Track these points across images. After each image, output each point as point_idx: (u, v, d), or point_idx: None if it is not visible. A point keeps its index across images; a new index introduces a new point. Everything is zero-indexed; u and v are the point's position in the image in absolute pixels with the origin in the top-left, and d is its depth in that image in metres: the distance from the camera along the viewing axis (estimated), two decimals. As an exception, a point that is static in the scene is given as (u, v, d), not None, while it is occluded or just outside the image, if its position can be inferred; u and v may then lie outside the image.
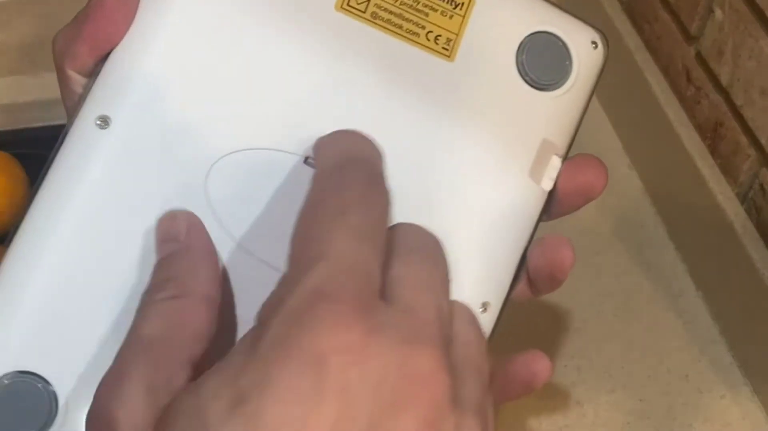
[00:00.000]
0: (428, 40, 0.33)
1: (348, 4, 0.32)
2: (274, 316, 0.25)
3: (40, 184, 0.30)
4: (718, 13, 0.65)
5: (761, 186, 0.63)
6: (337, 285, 0.25)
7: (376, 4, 0.32)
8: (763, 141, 0.62)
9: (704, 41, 0.67)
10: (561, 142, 0.34)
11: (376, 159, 0.29)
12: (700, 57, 0.68)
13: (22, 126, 0.74)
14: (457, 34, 0.33)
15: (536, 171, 0.33)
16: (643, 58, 0.73)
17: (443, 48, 0.33)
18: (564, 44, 0.34)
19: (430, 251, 0.29)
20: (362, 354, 0.24)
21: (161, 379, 0.26)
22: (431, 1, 0.33)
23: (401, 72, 0.32)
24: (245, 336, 0.25)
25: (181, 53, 0.31)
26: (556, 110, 0.34)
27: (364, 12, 0.32)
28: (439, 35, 0.33)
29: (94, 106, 0.31)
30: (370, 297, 0.25)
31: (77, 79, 0.32)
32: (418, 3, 0.33)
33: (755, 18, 0.61)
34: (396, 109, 0.32)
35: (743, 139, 0.64)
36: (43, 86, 0.77)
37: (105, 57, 0.31)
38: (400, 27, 0.32)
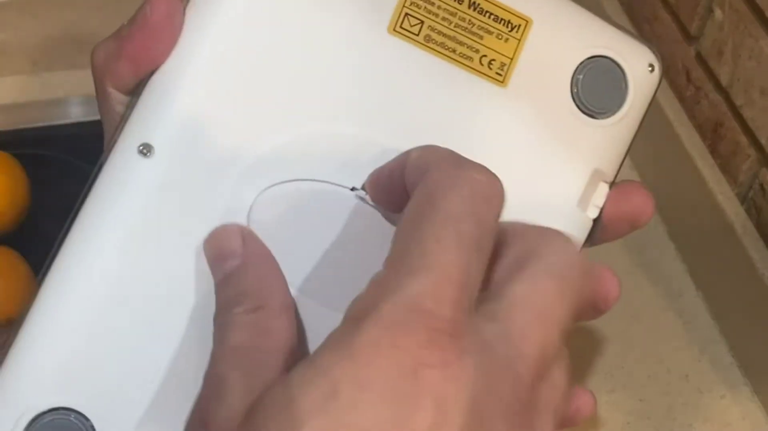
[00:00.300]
0: (482, 64, 0.32)
1: (401, 27, 0.31)
2: (368, 318, 0.24)
3: (76, 213, 0.30)
4: (718, 13, 0.65)
5: (761, 186, 0.63)
6: (438, 301, 0.24)
7: (430, 27, 0.31)
8: (763, 141, 0.62)
9: (704, 41, 0.67)
10: (610, 170, 0.33)
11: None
12: (700, 57, 0.68)
13: (22, 126, 0.74)
14: (511, 59, 0.32)
15: (584, 200, 0.32)
16: (643, 58, 0.73)
17: (497, 73, 0.32)
18: (621, 70, 0.33)
19: (569, 278, 0.27)
20: (458, 371, 0.24)
21: (258, 384, 0.26)
22: (487, 24, 0.32)
23: (452, 98, 0.31)
24: (334, 333, 0.25)
25: (227, 77, 0.30)
26: (608, 138, 0.33)
27: (417, 35, 0.31)
28: (493, 60, 0.32)
29: (136, 133, 0.29)
30: (469, 315, 0.25)
31: (117, 97, 0.31)
32: (473, 26, 0.31)
33: (755, 18, 0.61)
34: (446, 135, 0.31)
35: (743, 139, 0.64)
36: (43, 86, 0.77)
37: (147, 76, 0.30)
38: (454, 51, 0.31)
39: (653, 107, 0.77)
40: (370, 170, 0.30)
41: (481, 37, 0.32)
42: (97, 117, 0.84)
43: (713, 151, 0.67)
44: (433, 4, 0.31)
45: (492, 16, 0.32)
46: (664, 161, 0.71)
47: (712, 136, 0.67)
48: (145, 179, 0.29)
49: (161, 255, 0.29)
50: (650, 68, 0.33)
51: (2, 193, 0.64)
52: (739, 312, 0.64)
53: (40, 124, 0.74)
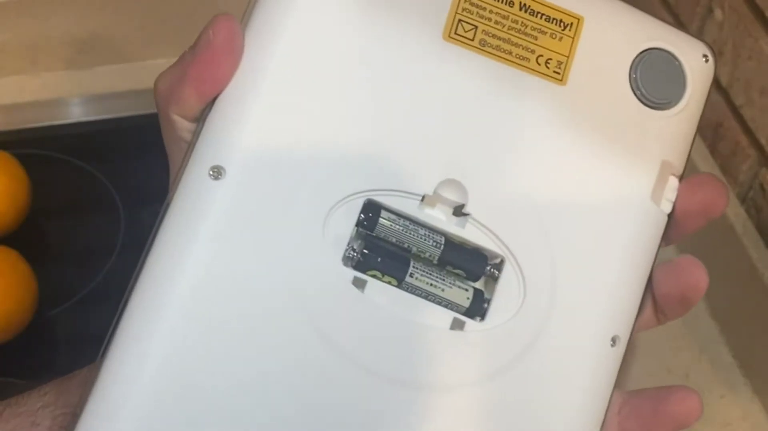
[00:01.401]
0: (539, 64, 0.32)
1: (456, 33, 0.31)
2: None
3: (150, 246, 0.29)
4: (718, 13, 0.65)
5: (761, 186, 0.63)
6: None
7: (484, 31, 0.31)
8: (763, 141, 0.62)
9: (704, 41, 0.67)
10: (678, 161, 0.33)
11: None
12: (700, 57, 0.68)
13: (22, 126, 0.74)
14: (567, 57, 0.32)
15: (656, 194, 0.32)
16: (643, 58, 0.73)
17: (555, 72, 0.32)
18: (677, 60, 0.33)
19: None
20: None
21: None
22: (540, 24, 0.32)
23: (515, 99, 0.31)
24: None
25: (291, 94, 0.30)
26: (673, 129, 0.33)
27: (472, 40, 0.31)
28: (550, 59, 0.32)
29: (205, 156, 0.29)
30: None
31: (183, 125, 0.30)
32: (527, 27, 0.32)
33: (755, 18, 0.61)
34: (510, 137, 0.31)
35: (743, 139, 0.64)
36: (43, 86, 0.77)
37: (212, 101, 0.30)
38: (510, 53, 0.31)
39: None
40: (440, 178, 0.30)
41: (536, 38, 0.32)
42: (97, 117, 0.84)
43: (713, 151, 0.67)
44: (484, 8, 0.31)
45: (543, 17, 0.32)
46: (664, 161, 0.71)
47: (711, 136, 0.67)
48: (219, 202, 0.29)
49: (239, 279, 0.29)
50: (705, 58, 0.34)
51: (2, 193, 0.64)
52: (739, 312, 0.64)
53: (40, 124, 0.74)
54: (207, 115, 0.30)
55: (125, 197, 0.69)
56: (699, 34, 0.67)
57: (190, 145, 0.30)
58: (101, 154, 0.73)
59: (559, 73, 0.32)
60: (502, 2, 0.32)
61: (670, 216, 0.32)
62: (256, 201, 0.29)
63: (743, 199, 0.65)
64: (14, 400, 0.34)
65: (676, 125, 0.33)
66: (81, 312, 0.64)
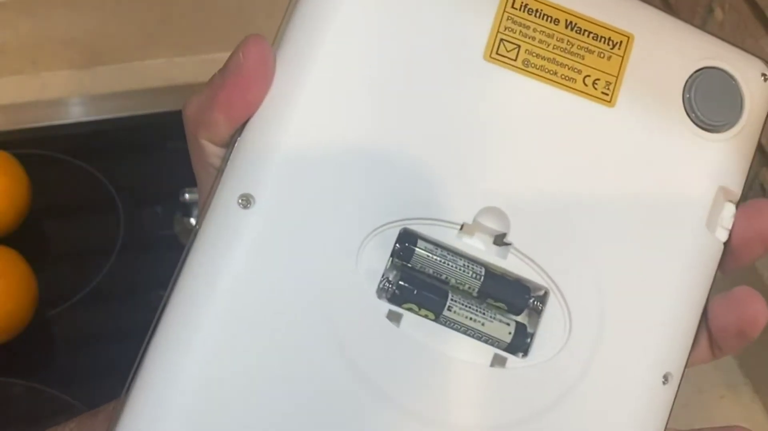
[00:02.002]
0: (586, 85, 0.30)
1: (497, 53, 0.30)
2: None
3: (177, 275, 0.28)
4: (718, 13, 0.65)
5: (761, 186, 0.63)
6: None
7: (527, 50, 0.30)
8: (763, 141, 0.62)
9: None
10: (735, 187, 0.31)
11: None
12: (700, 57, 0.68)
13: (22, 126, 0.74)
14: (616, 77, 0.30)
15: (712, 221, 0.30)
16: (643, 58, 0.73)
17: (603, 93, 0.30)
18: (734, 79, 0.31)
19: None
20: None
21: None
22: (587, 43, 0.30)
23: (559, 122, 0.30)
24: None
25: (322, 120, 0.29)
26: (729, 152, 0.31)
27: (515, 60, 0.30)
28: (598, 79, 0.30)
29: (234, 184, 0.28)
30: None
31: (212, 150, 0.30)
32: (573, 46, 0.30)
33: (755, 18, 0.61)
34: (559, 164, 0.30)
35: (743, 139, 0.64)
36: (43, 86, 0.77)
37: (242, 127, 0.29)
38: (555, 73, 0.30)
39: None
40: (480, 206, 0.29)
41: (582, 57, 0.30)
42: (97, 117, 0.84)
43: (713, 151, 0.67)
44: (528, 27, 0.30)
45: (591, 35, 0.30)
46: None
47: (712, 136, 0.67)
48: (248, 231, 0.28)
49: (269, 311, 0.28)
50: (763, 77, 0.31)
51: (2, 193, 0.64)
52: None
53: (40, 124, 0.74)
54: (237, 140, 0.29)
55: (125, 197, 0.69)
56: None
57: (219, 171, 0.29)
58: (101, 154, 0.73)
59: (607, 94, 0.30)
60: (547, 20, 0.30)
61: (726, 244, 0.31)
62: (286, 230, 0.28)
63: (743, 199, 0.65)
64: None
65: (733, 148, 0.31)
66: (81, 312, 0.64)
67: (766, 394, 0.62)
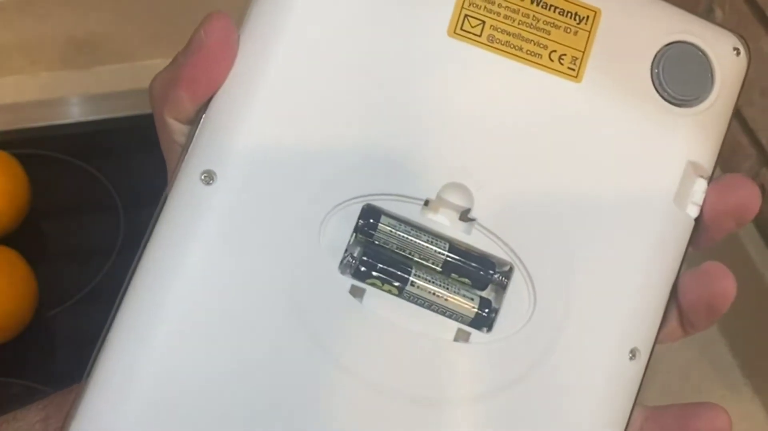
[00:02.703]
0: (552, 60, 0.30)
1: (461, 29, 0.30)
2: None
3: (143, 248, 0.28)
4: (719, 13, 0.65)
5: (761, 186, 0.63)
6: None
7: (492, 26, 0.30)
8: (763, 141, 0.62)
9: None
10: (706, 162, 0.31)
11: None
12: (700, 57, 0.68)
13: (22, 126, 0.74)
14: (583, 52, 0.30)
15: (682, 196, 0.30)
16: (643, 58, 0.73)
17: (569, 68, 0.30)
18: (704, 53, 0.31)
19: None
20: None
21: None
22: (553, 18, 0.30)
23: (524, 98, 0.30)
24: None
25: (285, 97, 0.29)
26: (699, 127, 0.30)
27: (479, 35, 0.30)
28: (564, 54, 0.30)
29: (197, 161, 0.28)
30: None
31: (178, 128, 0.30)
32: (539, 21, 0.30)
33: (755, 18, 0.61)
34: (524, 139, 0.30)
35: (743, 139, 0.64)
36: (43, 86, 0.77)
37: (206, 104, 0.29)
38: (520, 49, 0.30)
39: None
40: (444, 181, 0.29)
41: (549, 33, 0.30)
42: (97, 117, 0.84)
43: (713, 151, 0.67)
44: (493, 2, 0.30)
45: (557, 10, 0.30)
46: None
47: (712, 136, 0.67)
48: (211, 207, 0.28)
49: (232, 286, 0.28)
50: (735, 52, 0.31)
51: (2, 193, 0.64)
52: (739, 312, 0.64)
53: (40, 124, 0.74)
54: (201, 116, 0.29)
55: (125, 197, 0.69)
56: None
57: (184, 149, 0.29)
58: (101, 154, 0.73)
59: (573, 70, 0.30)
60: None
61: (698, 220, 0.31)
62: (248, 206, 0.28)
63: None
64: (12, 415, 0.34)
65: (703, 122, 0.31)
66: (81, 312, 0.64)
67: (766, 394, 0.62)
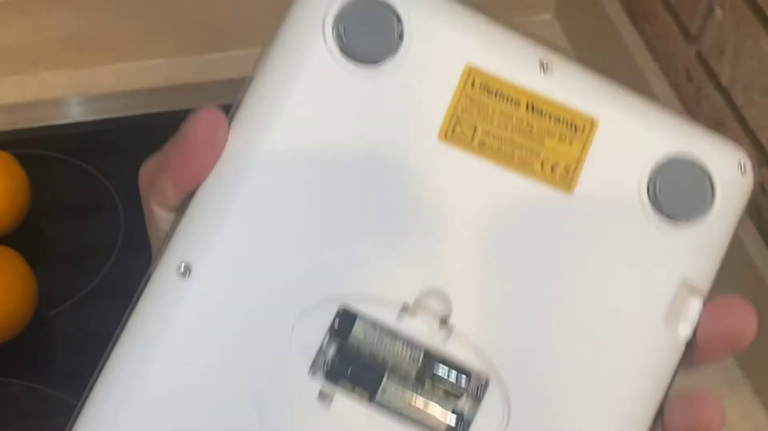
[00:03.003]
0: (544, 169, 0.29)
1: (453, 132, 0.28)
2: None
3: (119, 335, 0.28)
4: (719, 13, 0.65)
5: (761, 186, 0.63)
6: None
7: (484, 131, 0.29)
8: (763, 141, 0.62)
9: (704, 41, 0.67)
10: (701, 282, 0.29)
11: None
12: (700, 57, 0.68)
13: (22, 126, 0.74)
14: (577, 162, 0.29)
15: (673, 317, 0.29)
16: (643, 58, 0.73)
17: (561, 178, 0.29)
18: (705, 169, 0.29)
19: None
20: None
21: None
22: (548, 126, 0.29)
23: (513, 206, 0.29)
24: None
25: (269, 195, 0.28)
26: (695, 246, 0.29)
27: (471, 141, 0.28)
28: (557, 163, 0.29)
29: (176, 251, 0.28)
30: None
31: (163, 215, 0.30)
32: (533, 128, 0.29)
33: (755, 18, 0.61)
34: (509, 249, 0.28)
35: (744, 139, 0.64)
36: (43, 86, 0.77)
37: (191, 194, 0.28)
38: (512, 156, 0.29)
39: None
40: (422, 286, 0.28)
41: (542, 141, 0.29)
42: (97, 117, 0.84)
43: (713, 150, 0.67)
44: (486, 107, 0.29)
45: (552, 118, 0.29)
46: (665, 161, 0.71)
47: (712, 135, 0.67)
48: (185, 300, 0.27)
49: (198, 387, 0.27)
50: (740, 168, 0.30)
51: (2, 193, 0.64)
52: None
53: (40, 124, 0.74)
54: (186, 207, 0.28)
55: (125, 197, 0.69)
56: (699, 34, 0.68)
57: (167, 237, 0.29)
58: (101, 154, 0.73)
59: (565, 180, 0.29)
60: (506, 101, 0.29)
61: (691, 341, 0.29)
62: (222, 302, 0.27)
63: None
64: None
65: (700, 241, 0.29)
66: (81, 312, 0.64)
67: (766, 394, 0.62)
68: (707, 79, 0.67)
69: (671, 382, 0.30)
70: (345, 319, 0.28)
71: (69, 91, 0.77)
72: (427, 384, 0.28)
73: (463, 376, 0.28)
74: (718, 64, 0.66)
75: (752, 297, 0.64)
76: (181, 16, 0.77)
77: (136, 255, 0.71)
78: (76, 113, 0.76)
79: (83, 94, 0.76)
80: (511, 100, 0.29)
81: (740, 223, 0.64)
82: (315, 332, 0.28)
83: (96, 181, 0.71)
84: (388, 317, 0.28)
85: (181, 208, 0.29)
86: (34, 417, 0.60)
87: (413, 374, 0.28)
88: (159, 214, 0.30)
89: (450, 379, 0.28)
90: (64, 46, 0.77)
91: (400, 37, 0.29)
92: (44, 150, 0.72)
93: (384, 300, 0.28)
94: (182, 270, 0.28)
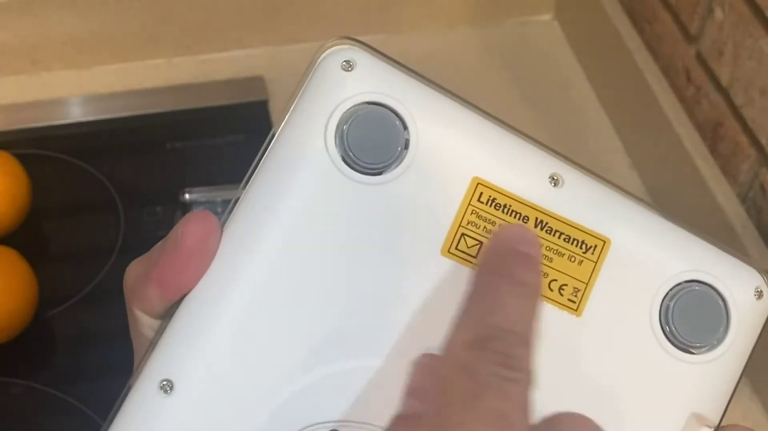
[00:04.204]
0: (551, 290, 0.27)
1: (456, 248, 0.27)
2: None
3: None
4: (718, 13, 0.65)
5: (761, 186, 0.63)
6: None
7: None
8: (763, 141, 0.62)
9: (704, 41, 0.67)
10: (713, 413, 0.28)
11: (522, 322, 0.25)
12: (700, 57, 0.68)
13: (22, 126, 0.74)
14: (586, 284, 0.27)
15: None
16: (643, 58, 0.73)
17: (569, 300, 0.27)
18: (720, 296, 0.28)
19: None
20: None
21: None
22: (557, 245, 0.27)
23: None
24: None
25: (257, 311, 0.26)
26: (707, 376, 0.28)
27: (475, 257, 0.27)
28: (565, 284, 0.27)
29: (159, 366, 0.26)
30: None
31: (147, 322, 0.28)
32: (541, 247, 0.27)
33: (755, 18, 0.61)
34: None
35: (743, 139, 0.64)
36: (43, 86, 0.77)
37: (177, 302, 0.27)
38: None
39: (653, 107, 0.76)
40: None
41: (551, 260, 0.27)
42: (97, 117, 0.84)
43: (713, 151, 0.67)
44: (493, 223, 0.27)
45: (563, 236, 0.28)
46: (664, 161, 0.71)
47: (712, 136, 0.67)
48: (165, 417, 0.26)
49: None
50: (757, 294, 0.29)
51: (2, 193, 0.64)
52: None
53: (40, 124, 0.74)
54: (171, 316, 0.27)
55: (125, 197, 0.69)
56: (699, 34, 0.67)
57: (151, 345, 0.27)
58: (101, 154, 0.73)
59: (574, 302, 0.28)
60: (514, 217, 0.27)
61: None
62: (205, 423, 0.26)
63: (743, 199, 0.65)
64: None
65: (713, 372, 0.28)
66: (81, 312, 0.64)
67: (766, 394, 0.62)
68: (707, 79, 0.67)
69: None
70: None
71: (69, 91, 0.77)
72: None
73: None
74: (717, 64, 0.66)
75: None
76: (181, 16, 0.77)
77: (136, 256, 0.71)
78: (76, 113, 0.76)
79: (83, 94, 0.76)
80: (520, 216, 0.27)
81: (740, 223, 0.64)
82: None
83: (96, 181, 0.71)
84: None
85: (166, 315, 0.27)
86: (34, 417, 0.60)
87: None
88: (143, 319, 0.28)
89: None
90: (64, 46, 0.77)
91: (406, 146, 0.27)
92: (44, 150, 0.72)
93: (375, 425, 0.27)
94: (164, 386, 0.26)
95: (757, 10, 0.61)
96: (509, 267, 0.26)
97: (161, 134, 0.73)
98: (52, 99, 0.76)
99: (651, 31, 0.74)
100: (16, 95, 0.76)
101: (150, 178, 0.71)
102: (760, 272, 0.29)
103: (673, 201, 0.70)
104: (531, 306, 0.25)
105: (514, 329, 0.24)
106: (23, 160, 0.66)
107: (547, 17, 0.85)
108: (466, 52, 0.82)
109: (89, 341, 0.63)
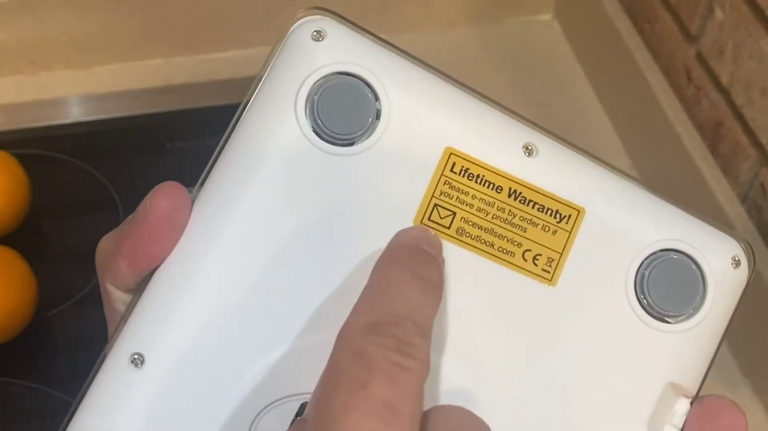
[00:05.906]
0: (525, 260, 0.27)
1: (429, 219, 0.27)
2: None
3: (69, 421, 0.26)
4: (719, 13, 0.65)
5: (761, 186, 0.63)
6: None
7: (463, 218, 0.27)
8: (763, 141, 0.62)
9: (704, 41, 0.67)
10: (690, 383, 0.28)
11: (422, 314, 0.24)
12: (700, 57, 0.68)
13: (22, 126, 0.74)
14: (560, 254, 0.27)
15: (657, 419, 0.27)
16: (643, 58, 0.73)
17: (543, 270, 0.27)
18: (697, 265, 0.28)
19: None
20: None
21: None
22: (531, 214, 0.27)
23: (491, 299, 0.27)
24: None
25: (228, 284, 0.26)
26: (684, 346, 0.28)
27: (448, 228, 0.27)
28: (539, 254, 0.27)
29: (130, 339, 0.26)
30: None
31: (118, 296, 0.28)
32: (515, 217, 0.27)
33: (755, 18, 0.61)
34: (486, 342, 0.27)
35: (743, 139, 0.64)
36: (43, 86, 0.77)
37: (149, 275, 0.27)
38: (492, 245, 0.27)
39: (653, 107, 0.76)
40: None
41: (524, 230, 0.27)
42: (97, 117, 0.84)
43: (713, 151, 0.67)
44: (466, 193, 0.27)
45: (536, 206, 0.27)
46: (664, 161, 0.71)
47: (712, 135, 0.67)
48: (137, 391, 0.26)
49: None
50: (734, 263, 0.28)
51: (2, 193, 0.64)
52: (739, 312, 0.64)
53: (40, 124, 0.74)
54: (144, 287, 0.27)
55: (125, 197, 0.69)
56: (699, 34, 0.67)
57: (122, 320, 0.27)
58: (101, 154, 0.73)
59: (548, 272, 0.27)
60: (488, 187, 0.27)
61: None
62: (176, 396, 0.26)
63: (743, 199, 0.65)
64: None
65: (689, 341, 0.28)
66: (81, 312, 0.64)
67: (766, 394, 0.62)
68: (707, 79, 0.67)
69: None
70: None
71: (69, 91, 0.77)
72: None
73: None
74: (718, 64, 0.66)
75: (752, 298, 0.64)
76: (181, 16, 0.77)
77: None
78: (76, 113, 0.76)
79: (83, 94, 0.76)
80: (493, 186, 0.27)
81: (740, 223, 0.64)
82: (276, 429, 0.26)
83: (96, 181, 0.71)
84: None
85: (137, 290, 0.27)
86: (34, 417, 0.60)
87: None
88: (114, 294, 0.28)
89: None
90: (64, 46, 0.77)
91: (377, 116, 0.27)
92: (44, 150, 0.72)
93: None
94: (135, 359, 0.26)
95: (757, 10, 0.61)
96: (413, 262, 0.25)
97: (161, 134, 0.73)
98: (51, 99, 0.76)
99: (651, 31, 0.74)
100: (15, 95, 0.76)
101: (150, 178, 0.71)
102: (738, 240, 0.29)
103: (674, 201, 0.70)
104: (432, 302, 0.25)
105: (413, 318, 0.24)
106: (23, 160, 0.66)
107: (547, 17, 0.85)
108: (466, 52, 0.82)
109: (89, 341, 0.63)
